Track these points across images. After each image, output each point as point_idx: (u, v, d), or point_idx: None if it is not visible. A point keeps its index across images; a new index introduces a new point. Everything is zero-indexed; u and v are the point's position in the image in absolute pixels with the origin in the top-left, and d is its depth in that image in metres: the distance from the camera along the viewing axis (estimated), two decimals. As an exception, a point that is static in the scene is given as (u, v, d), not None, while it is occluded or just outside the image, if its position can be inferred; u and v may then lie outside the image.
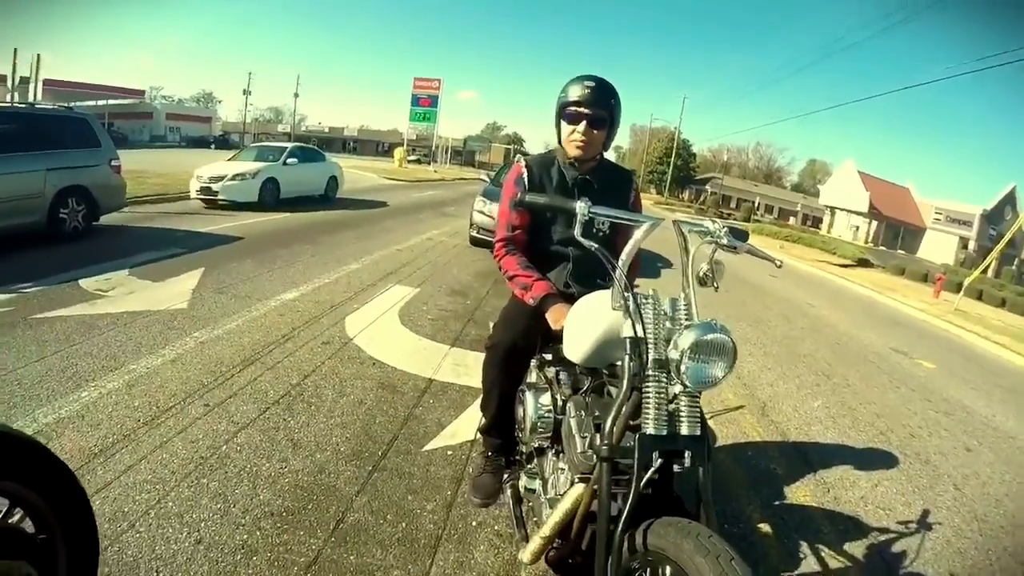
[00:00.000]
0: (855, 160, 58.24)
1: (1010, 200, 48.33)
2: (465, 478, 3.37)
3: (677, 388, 1.74)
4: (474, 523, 3.00)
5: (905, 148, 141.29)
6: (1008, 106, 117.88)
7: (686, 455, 1.71)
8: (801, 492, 3.88)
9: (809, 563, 3.08)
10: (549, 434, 2.34)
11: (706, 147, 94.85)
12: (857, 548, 3.30)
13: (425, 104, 53.43)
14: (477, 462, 3.29)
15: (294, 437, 3.59)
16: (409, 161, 54.37)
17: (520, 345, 2.60)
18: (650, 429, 1.71)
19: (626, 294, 1.80)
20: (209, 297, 6.18)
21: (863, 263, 26.24)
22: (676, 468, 1.75)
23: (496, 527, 2.99)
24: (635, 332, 1.77)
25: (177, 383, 4.12)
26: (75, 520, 1.73)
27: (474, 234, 11.45)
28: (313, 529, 2.77)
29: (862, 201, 52.36)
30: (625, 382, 1.77)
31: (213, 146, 57.51)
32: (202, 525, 2.70)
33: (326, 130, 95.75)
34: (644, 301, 1.82)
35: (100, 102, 58.21)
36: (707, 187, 79.69)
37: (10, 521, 1.59)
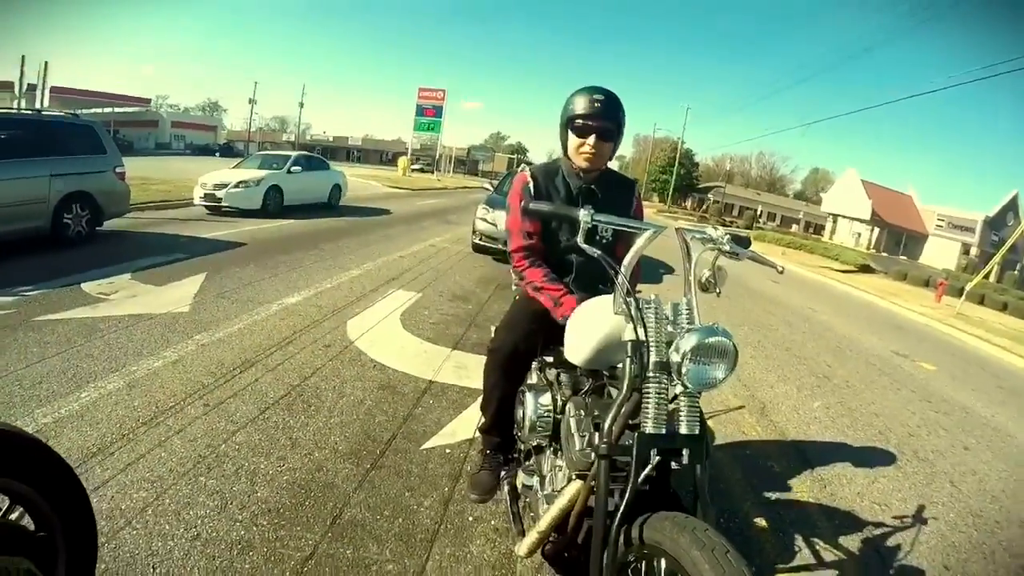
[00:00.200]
0: (858, 169, 58.22)
1: (1012, 206, 48.30)
2: (463, 475, 3.38)
3: (677, 389, 1.77)
4: (471, 518, 3.02)
5: (908, 155, 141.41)
6: (1010, 113, 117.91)
7: (684, 453, 1.74)
8: (798, 488, 3.89)
9: (804, 556, 3.09)
10: (548, 433, 2.35)
11: (709, 156, 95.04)
12: (852, 542, 3.31)
13: (430, 114, 53.55)
14: (475, 459, 3.30)
15: (293, 436, 3.61)
16: (413, 170, 54.43)
17: (521, 348, 2.62)
18: (649, 428, 1.73)
19: (628, 298, 1.83)
20: (211, 301, 6.21)
21: (865, 269, 26.20)
22: (673, 466, 1.77)
23: (493, 523, 3.00)
24: (637, 335, 1.80)
25: (177, 384, 4.14)
26: (75, 517, 1.75)
27: (476, 241, 11.46)
28: (310, 525, 2.79)
29: (864, 208, 52.34)
30: (626, 383, 1.80)
31: (218, 154, 57.71)
32: (199, 522, 2.71)
33: (330, 139, 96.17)
34: (646, 305, 1.84)
35: (106, 110, 58.56)
36: (710, 196, 79.70)
37: (10, 518, 1.61)
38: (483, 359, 2.81)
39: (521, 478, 2.66)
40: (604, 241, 2.63)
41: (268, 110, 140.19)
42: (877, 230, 53.59)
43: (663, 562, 1.59)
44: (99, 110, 55.39)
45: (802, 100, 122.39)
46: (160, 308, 5.75)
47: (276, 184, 14.88)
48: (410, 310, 6.88)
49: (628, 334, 1.82)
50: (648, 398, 1.75)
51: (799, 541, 3.21)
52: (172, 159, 42.30)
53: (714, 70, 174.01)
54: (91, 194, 8.80)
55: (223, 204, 13.60)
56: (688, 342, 1.70)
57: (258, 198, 14.18)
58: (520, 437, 2.71)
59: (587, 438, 2.00)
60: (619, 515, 1.69)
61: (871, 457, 4.64)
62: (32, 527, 1.65)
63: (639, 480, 1.70)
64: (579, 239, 1.97)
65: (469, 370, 5.03)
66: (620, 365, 1.94)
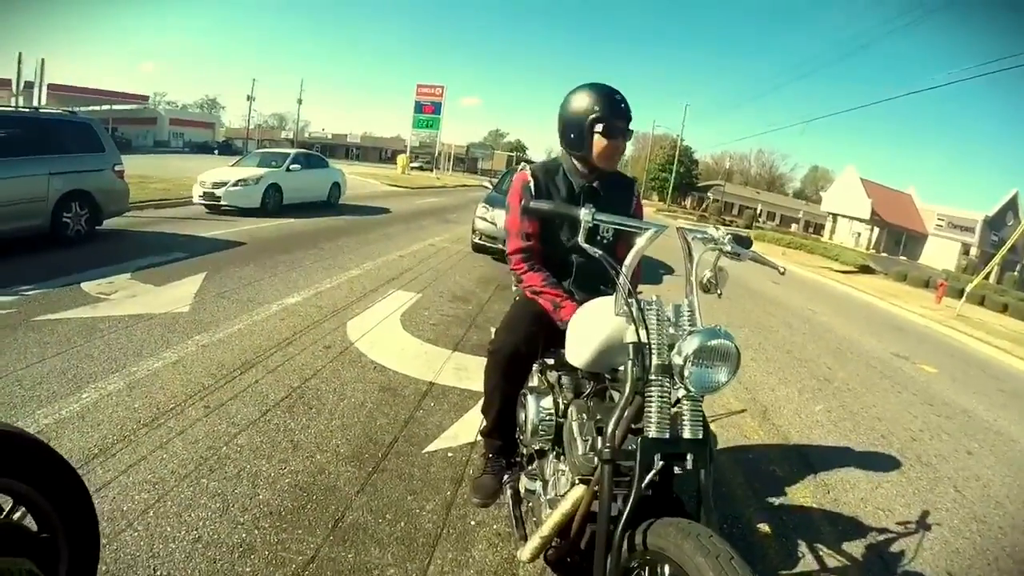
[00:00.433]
0: (857, 167, 58.16)
1: (1012, 206, 48.27)
2: (465, 479, 3.37)
3: (680, 392, 1.76)
4: (473, 523, 3.01)
5: (907, 154, 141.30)
6: (1011, 112, 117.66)
7: (688, 458, 1.72)
8: (801, 493, 3.88)
9: (808, 563, 3.08)
10: (550, 437, 2.34)
11: (708, 154, 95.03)
12: (856, 548, 3.30)
13: (428, 111, 53.66)
14: (477, 463, 3.30)
15: (294, 438, 3.60)
16: (412, 168, 54.39)
17: (522, 350, 2.60)
18: (652, 432, 1.72)
19: (629, 300, 1.81)
20: (211, 301, 6.19)
21: (865, 269, 26.19)
22: (676, 470, 1.76)
23: (495, 527, 3.00)
24: (638, 337, 1.78)
25: (178, 385, 4.13)
26: (77, 519, 1.74)
27: (476, 240, 11.44)
28: (312, 528, 2.78)
29: (864, 208, 52.34)
30: (628, 386, 1.79)
31: (216, 152, 57.64)
32: (201, 524, 2.71)
33: (329, 136, 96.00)
34: (647, 307, 1.83)
35: (104, 107, 58.30)
36: (709, 194, 79.62)
37: (12, 519, 1.60)
38: (484, 361, 2.80)
39: (524, 482, 2.64)
40: (604, 241, 2.62)
41: (267, 107, 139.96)
42: (877, 230, 53.60)
43: (667, 568, 1.58)
44: (97, 108, 55.16)
45: (801, 97, 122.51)
46: (160, 308, 5.73)
47: (275, 182, 14.85)
48: (410, 311, 6.87)
49: (630, 336, 1.81)
50: (651, 402, 1.74)
51: (803, 547, 3.20)
52: (170, 157, 42.35)
53: (713, 67, 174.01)
54: (90, 192, 8.77)
55: (222, 203, 13.59)
56: (690, 345, 1.69)
57: (257, 197, 14.16)
58: (522, 441, 2.70)
59: (590, 442, 1.99)
60: (623, 521, 1.67)
61: (874, 462, 4.64)
62: (34, 528, 1.65)
63: (642, 485, 1.69)
64: (580, 239, 1.96)
65: (470, 372, 5.02)
66: (622, 368, 1.93)
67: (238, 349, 4.93)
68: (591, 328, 2.12)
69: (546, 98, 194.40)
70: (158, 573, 2.38)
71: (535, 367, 2.76)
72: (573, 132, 2.58)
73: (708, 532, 1.53)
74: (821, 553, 3.18)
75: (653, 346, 1.77)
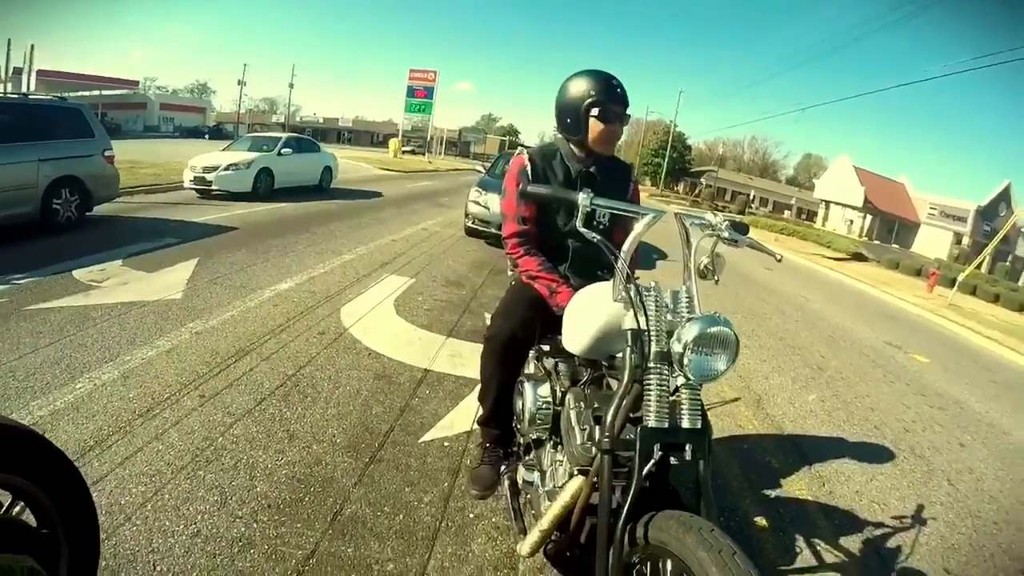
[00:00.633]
0: (850, 155, 58.14)
1: (1005, 196, 48.40)
2: (462, 470, 3.37)
3: (679, 381, 1.74)
4: (472, 515, 3.00)
5: (900, 143, 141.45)
6: (1004, 102, 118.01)
7: (687, 448, 1.71)
8: (796, 485, 3.89)
9: (804, 557, 3.09)
10: (548, 426, 2.33)
11: (702, 140, 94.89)
12: (852, 542, 3.31)
13: (421, 95, 53.24)
14: (475, 453, 3.29)
15: (290, 428, 3.58)
16: (404, 152, 54.13)
17: (519, 336, 2.59)
18: (651, 422, 1.70)
19: (628, 285, 1.79)
20: (204, 287, 6.15)
21: (857, 257, 26.29)
22: (673, 460, 1.75)
23: (494, 519, 2.99)
24: (637, 324, 1.76)
25: (172, 374, 4.10)
26: (77, 513, 1.72)
27: (469, 224, 11.42)
28: (311, 521, 2.77)
29: (857, 195, 52.38)
30: (626, 374, 1.77)
31: (207, 136, 57.12)
32: (199, 518, 2.69)
33: (321, 121, 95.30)
34: (646, 293, 1.81)
35: (94, 92, 57.80)
36: (702, 180, 79.57)
37: (12, 514, 1.58)
38: (478, 347, 2.79)
39: (522, 473, 2.63)
40: (601, 226, 2.60)
41: (258, 91, 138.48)
42: (869, 217, 53.71)
43: (669, 563, 1.57)
44: (86, 93, 54.66)
45: (796, 86, 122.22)
46: (152, 295, 5.69)
47: (266, 167, 14.74)
48: (404, 296, 6.85)
49: (628, 322, 1.80)
50: (650, 390, 1.73)
51: (800, 541, 3.21)
52: (161, 142, 42.02)
53: (708, 54, 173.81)
54: (80, 178, 8.65)
55: (213, 187, 13.49)
56: (690, 332, 1.67)
57: (248, 181, 14.06)
58: (520, 430, 2.69)
59: (588, 432, 1.98)
60: (624, 513, 1.66)
61: (868, 453, 4.65)
62: (34, 523, 1.62)
63: (642, 476, 1.68)
64: (578, 223, 1.94)
65: (464, 358, 5.02)
66: (619, 355, 1.92)
67: (232, 336, 4.90)
68: (588, 314, 2.11)
69: (539, 84, 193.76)
70: (158, 568, 2.36)
71: (531, 354, 2.74)
72: (570, 117, 2.58)
73: (710, 526, 1.52)
74: (818, 548, 3.18)
75: (652, 333, 1.76)
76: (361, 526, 2.78)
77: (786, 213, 69.84)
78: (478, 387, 2.85)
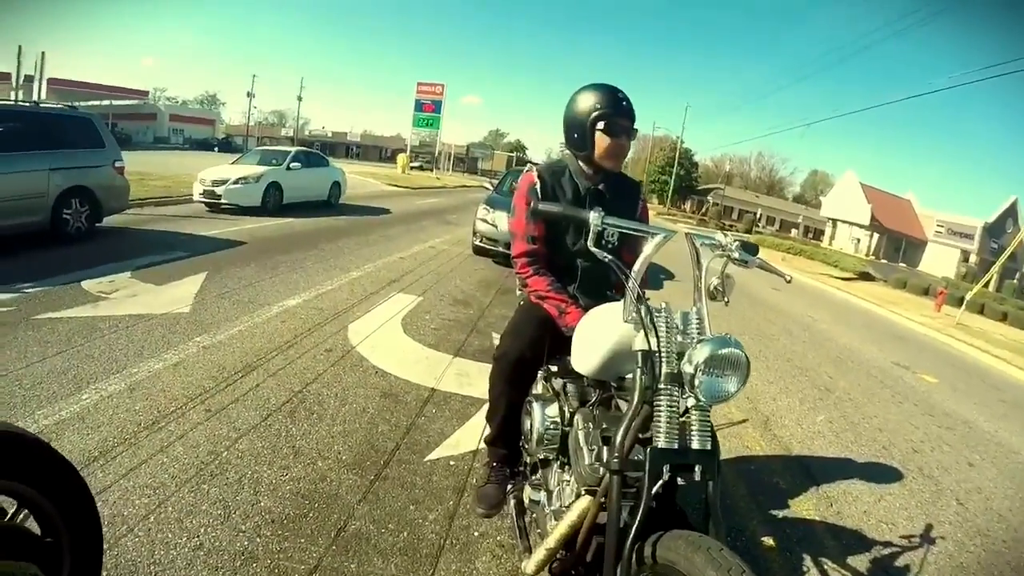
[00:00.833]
0: (856, 170, 58.13)
1: (1012, 213, 48.24)
2: (468, 488, 3.35)
3: (689, 402, 1.73)
4: (477, 534, 2.99)
5: (906, 158, 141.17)
6: (1011, 117, 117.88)
7: (696, 469, 1.70)
8: (804, 506, 3.87)
9: (812, 578, 3.06)
10: (556, 446, 2.32)
11: (708, 157, 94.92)
12: (860, 563, 3.29)
13: (428, 109, 53.66)
14: (481, 472, 3.27)
15: (296, 444, 3.58)
16: (412, 167, 54.37)
17: (528, 356, 2.58)
18: (661, 443, 1.69)
19: (639, 306, 1.79)
20: (212, 302, 6.17)
21: (864, 276, 26.26)
22: (680, 481, 1.74)
23: (499, 538, 2.97)
24: (648, 345, 1.76)
25: (179, 387, 4.10)
26: (81, 522, 1.72)
27: (477, 243, 11.40)
28: (314, 537, 2.76)
29: (864, 213, 52.30)
30: (636, 395, 1.76)
31: (216, 149, 57.46)
32: (202, 531, 2.68)
33: (329, 134, 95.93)
34: (657, 314, 1.80)
35: (104, 102, 58.22)
36: (709, 198, 79.60)
37: (17, 522, 1.59)
38: (485, 367, 2.79)
39: (528, 492, 2.62)
40: (610, 245, 2.58)
41: (266, 104, 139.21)
42: (876, 235, 53.58)
43: None
44: (97, 102, 55.07)
45: (801, 101, 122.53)
46: (161, 308, 5.71)
47: (275, 181, 14.80)
48: (411, 314, 6.84)
49: (639, 344, 1.78)
50: (660, 411, 1.72)
51: (807, 561, 3.19)
52: (171, 153, 42.29)
53: (714, 68, 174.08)
54: (90, 189, 8.72)
55: (222, 201, 13.55)
56: (701, 353, 1.66)
57: (257, 195, 14.12)
58: (527, 449, 2.67)
59: (596, 452, 1.97)
60: (632, 533, 1.65)
61: (876, 473, 4.62)
62: (38, 531, 1.63)
63: (651, 496, 1.67)
64: (589, 243, 1.92)
65: (471, 378, 5.01)
66: (629, 376, 1.91)
67: (239, 351, 4.90)
68: (598, 335, 2.10)
69: (546, 98, 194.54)
70: (160, 581, 2.36)
71: (540, 374, 2.73)
72: (577, 132, 2.57)
73: (719, 546, 1.51)
74: (826, 567, 3.16)
75: (663, 354, 1.75)
76: (365, 543, 2.77)
77: (793, 232, 69.72)
78: (485, 406, 2.85)
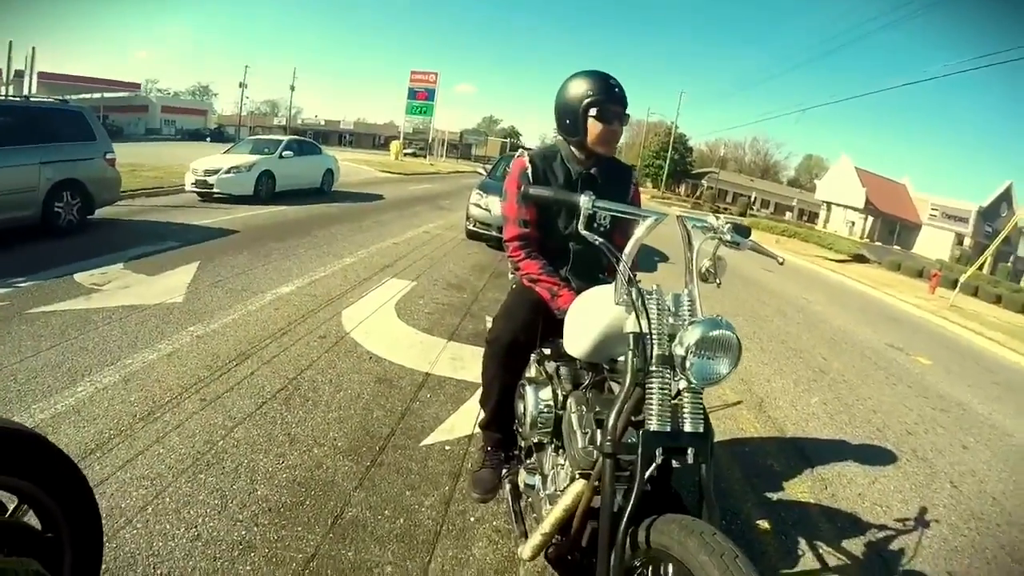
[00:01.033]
0: (852, 156, 58.07)
1: (1006, 197, 48.32)
2: (463, 473, 3.36)
3: (681, 384, 1.74)
4: (472, 519, 3.00)
5: (902, 143, 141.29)
6: (1005, 102, 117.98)
7: (689, 452, 1.70)
8: (799, 488, 3.89)
9: (807, 560, 3.08)
10: (549, 429, 2.32)
11: (703, 142, 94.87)
12: (855, 546, 3.30)
13: (422, 97, 53.37)
14: (476, 457, 3.28)
15: (291, 432, 3.58)
16: (405, 154, 54.19)
17: (520, 339, 2.58)
18: (654, 425, 1.70)
19: (630, 288, 1.78)
20: (205, 291, 6.15)
21: (859, 259, 26.28)
22: (675, 464, 1.75)
23: (495, 523, 2.98)
24: (639, 327, 1.76)
25: (173, 378, 4.10)
26: (81, 518, 1.72)
27: (470, 227, 11.42)
28: (311, 525, 2.76)
29: (858, 197, 52.34)
30: (628, 377, 1.76)
31: (208, 139, 57.19)
32: (199, 521, 2.69)
33: (322, 123, 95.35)
34: (648, 296, 1.80)
35: (95, 95, 57.84)
36: (703, 181, 79.56)
37: (18, 517, 1.59)
38: (479, 350, 2.78)
39: (523, 476, 2.62)
40: (602, 228, 2.57)
41: (259, 94, 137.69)
42: (871, 219, 53.64)
43: (671, 567, 1.57)
44: (88, 96, 54.70)
45: (797, 86, 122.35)
46: (154, 299, 5.69)
47: (268, 169, 14.76)
48: (405, 299, 6.85)
49: (630, 326, 1.79)
50: (651, 394, 1.72)
51: (802, 544, 3.20)
52: (162, 144, 42.05)
53: (709, 54, 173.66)
54: (81, 182, 8.67)
55: (215, 190, 13.47)
56: (692, 335, 1.66)
57: (250, 184, 14.08)
58: (521, 433, 2.68)
59: (589, 435, 1.97)
60: (626, 517, 1.65)
61: (870, 455, 4.65)
62: (39, 527, 1.63)
63: (644, 480, 1.67)
64: (579, 226, 1.92)
65: (465, 362, 5.01)
66: (621, 358, 1.91)
67: (233, 340, 4.90)
68: (590, 317, 2.10)
69: (540, 85, 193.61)
70: (158, 571, 2.36)
71: (533, 357, 2.74)
72: (568, 118, 2.57)
73: (712, 530, 1.52)
74: (821, 551, 3.17)
75: (654, 336, 1.75)
76: (362, 530, 2.78)
77: (788, 215, 69.85)
78: (479, 391, 2.84)
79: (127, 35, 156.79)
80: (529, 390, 2.39)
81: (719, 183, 77.74)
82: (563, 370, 2.50)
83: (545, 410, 2.32)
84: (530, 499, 2.56)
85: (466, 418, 4.03)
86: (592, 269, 2.69)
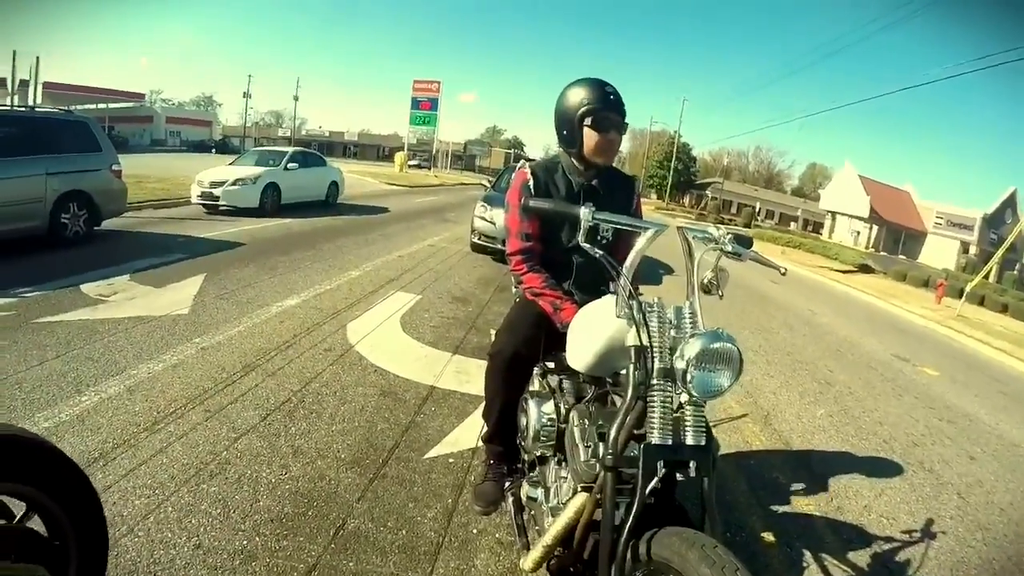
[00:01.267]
0: (855, 162, 57.96)
1: (1011, 203, 48.19)
2: (466, 486, 3.35)
3: (683, 397, 1.74)
4: (475, 531, 2.99)
5: (904, 149, 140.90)
6: (1009, 108, 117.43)
7: (691, 465, 1.70)
8: (804, 501, 3.87)
9: (812, 573, 3.06)
10: (552, 443, 2.33)
11: (706, 151, 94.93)
12: (861, 558, 3.28)
13: (425, 107, 53.39)
14: (479, 470, 3.28)
15: (295, 444, 3.58)
16: (410, 166, 54.30)
17: (523, 353, 2.58)
18: (655, 439, 1.70)
19: (631, 302, 1.78)
20: (211, 303, 6.17)
21: (864, 269, 26.20)
22: (679, 477, 1.74)
23: (497, 535, 2.98)
24: (640, 341, 1.76)
25: (178, 388, 4.11)
26: (88, 526, 1.73)
27: (475, 240, 11.43)
28: (313, 535, 2.76)
29: (863, 205, 52.25)
30: (630, 391, 1.76)
31: (214, 150, 57.32)
32: (201, 530, 2.69)
33: (326, 134, 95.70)
34: (649, 309, 1.80)
35: (100, 105, 58.08)
36: (708, 192, 79.47)
37: (26, 524, 1.59)
38: (484, 364, 2.78)
39: (525, 489, 2.61)
40: (604, 240, 2.58)
41: (263, 104, 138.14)
42: (876, 228, 53.54)
43: None
44: (93, 106, 54.95)
45: (799, 94, 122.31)
46: (160, 310, 5.71)
47: (273, 182, 14.81)
48: (410, 313, 6.85)
49: (631, 339, 1.79)
50: (653, 407, 1.72)
51: (807, 557, 3.18)
52: (168, 156, 42.25)
53: (711, 63, 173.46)
54: (88, 193, 8.72)
55: (220, 202, 13.53)
56: (693, 348, 1.67)
57: (255, 196, 14.11)
58: (524, 447, 2.68)
59: (592, 448, 1.97)
60: (626, 530, 1.65)
61: (877, 468, 4.62)
62: (45, 533, 1.64)
63: (646, 493, 1.67)
64: (580, 239, 1.92)
65: (470, 375, 5.01)
66: (623, 372, 1.91)
67: (238, 352, 4.91)
68: (592, 331, 2.10)
69: (544, 94, 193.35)
70: (159, 581, 2.37)
71: (536, 370, 2.74)
72: (566, 129, 2.58)
73: (713, 542, 1.51)
74: (826, 563, 3.15)
75: (655, 349, 1.75)
76: (363, 541, 2.78)
77: (792, 225, 69.72)
78: (483, 404, 2.84)
79: (132, 45, 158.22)
80: (532, 403, 2.39)
81: (723, 193, 77.66)
82: (566, 383, 2.50)
83: (548, 423, 2.32)
84: (532, 512, 2.55)
85: (470, 431, 4.02)
86: (595, 282, 2.67)
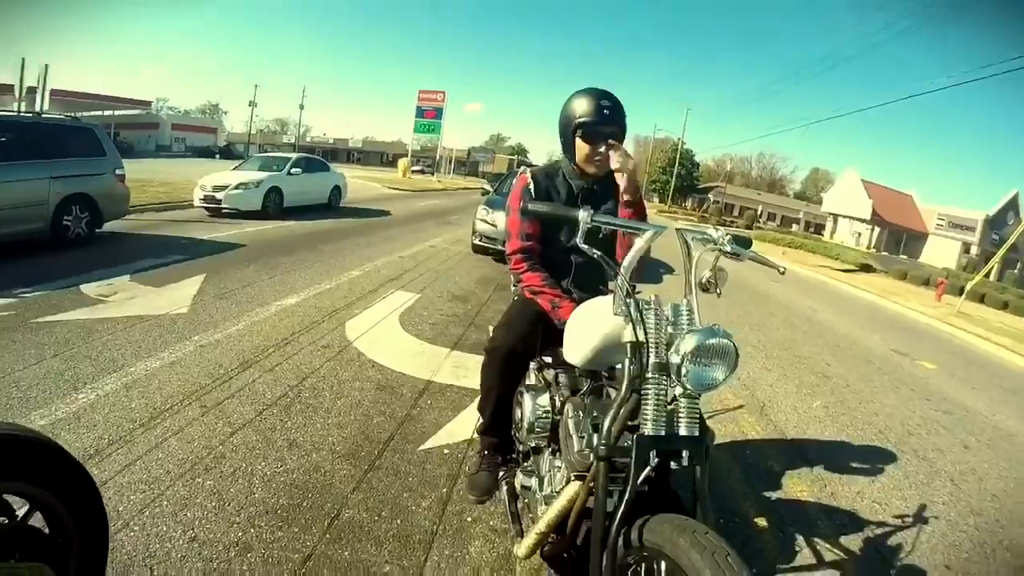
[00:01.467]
0: (858, 168, 57.99)
1: (1013, 205, 48.17)
2: (461, 476, 3.38)
3: (677, 390, 1.77)
4: (469, 519, 3.01)
5: (908, 155, 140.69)
6: (1010, 112, 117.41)
7: (684, 454, 1.73)
8: (798, 488, 3.88)
9: (804, 556, 3.08)
10: (547, 434, 2.36)
11: (709, 157, 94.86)
12: (853, 542, 3.30)
13: (430, 116, 53.40)
14: (474, 460, 3.29)
15: (291, 437, 3.60)
16: (413, 172, 54.33)
17: (520, 348, 2.62)
18: (648, 429, 1.73)
19: (628, 299, 1.82)
20: (210, 302, 6.20)
21: (865, 268, 26.18)
22: (673, 466, 1.76)
23: (492, 523, 3.00)
24: (636, 337, 1.79)
25: (175, 385, 4.13)
26: (90, 523, 1.74)
27: (476, 242, 11.45)
28: (308, 526, 2.78)
29: (865, 208, 52.20)
30: (625, 384, 1.79)
31: (218, 156, 57.46)
32: (196, 523, 2.71)
33: (331, 141, 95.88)
34: (646, 307, 1.83)
35: (107, 112, 58.13)
36: (710, 196, 79.54)
37: (29, 523, 1.60)
38: (482, 359, 2.81)
39: (520, 479, 2.64)
40: (603, 238, 2.61)
41: (268, 112, 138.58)
42: (877, 229, 53.47)
43: (663, 564, 1.58)
44: (99, 112, 55.02)
45: (803, 100, 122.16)
46: (159, 309, 5.74)
47: (276, 186, 14.85)
48: (409, 310, 6.87)
49: (628, 335, 1.81)
50: (647, 399, 1.75)
51: (800, 541, 3.21)
52: (172, 161, 42.29)
53: (714, 71, 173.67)
54: (91, 196, 8.80)
55: (223, 205, 13.58)
56: (688, 344, 1.69)
57: (258, 200, 14.16)
58: (518, 438, 2.70)
59: (586, 439, 2.00)
60: (618, 517, 1.68)
61: (871, 456, 4.64)
62: (47, 530, 1.65)
63: (638, 481, 1.69)
64: (579, 240, 1.95)
65: (468, 370, 5.02)
66: (619, 366, 1.94)
67: (236, 349, 4.93)
68: (589, 327, 2.13)
69: (548, 103, 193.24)
70: (155, 573, 2.38)
71: (532, 365, 2.77)
72: (563, 137, 2.65)
73: (704, 528, 1.54)
74: (818, 547, 3.18)
75: (651, 345, 1.78)
76: (358, 530, 2.80)
77: (794, 227, 69.59)
78: (479, 397, 2.87)
79: (139, 54, 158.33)
80: (527, 396, 2.42)
81: (726, 197, 77.74)
82: (562, 377, 2.53)
83: (543, 415, 2.35)
84: (527, 500, 2.58)
85: (466, 423, 4.04)
86: (594, 281, 2.74)
